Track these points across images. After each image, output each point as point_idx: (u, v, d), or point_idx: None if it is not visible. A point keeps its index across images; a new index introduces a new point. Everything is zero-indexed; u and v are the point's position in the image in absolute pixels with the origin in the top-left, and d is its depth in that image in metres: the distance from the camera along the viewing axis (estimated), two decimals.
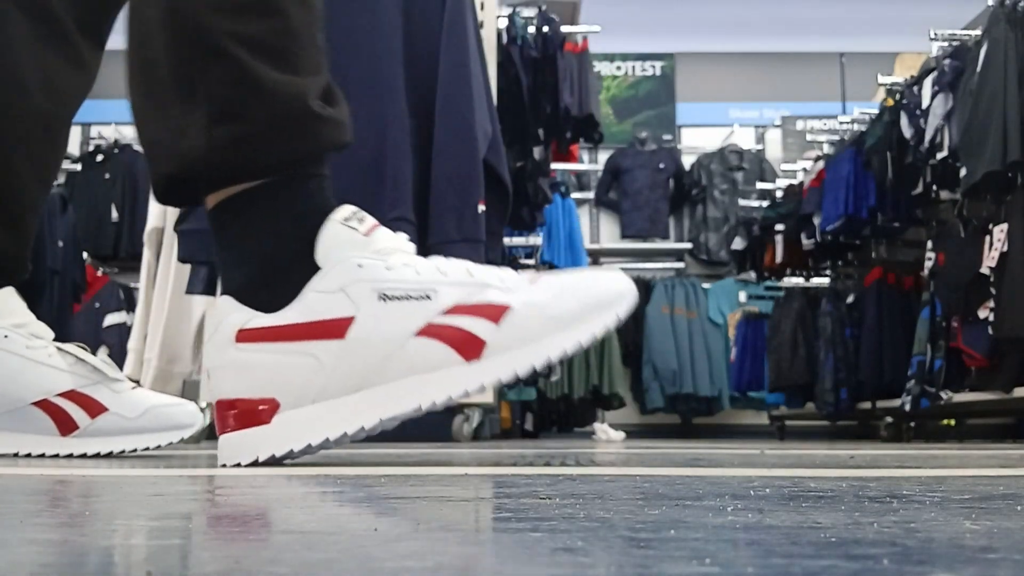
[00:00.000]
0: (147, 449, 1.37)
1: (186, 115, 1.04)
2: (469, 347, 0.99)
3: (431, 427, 3.64)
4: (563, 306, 1.00)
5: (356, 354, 0.99)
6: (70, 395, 1.34)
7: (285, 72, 1.04)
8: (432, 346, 0.99)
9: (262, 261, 1.03)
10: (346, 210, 1.04)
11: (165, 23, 1.06)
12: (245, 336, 1.00)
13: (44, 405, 1.33)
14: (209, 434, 3.40)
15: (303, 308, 1.00)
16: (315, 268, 1.01)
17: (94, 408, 1.35)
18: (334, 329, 0.99)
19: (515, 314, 0.99)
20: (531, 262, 5.15)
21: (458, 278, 1.01)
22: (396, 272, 1.01)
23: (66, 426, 1.34)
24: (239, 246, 1.05)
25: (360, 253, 1.01)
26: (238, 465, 1.01)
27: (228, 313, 1.02)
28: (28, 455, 1.34)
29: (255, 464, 1.01)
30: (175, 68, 1.06)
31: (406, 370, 0.99)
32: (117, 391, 1.36)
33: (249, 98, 1.03)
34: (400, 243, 1.04)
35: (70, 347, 1.36)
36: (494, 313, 0.99)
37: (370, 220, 1.04)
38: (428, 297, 1.00)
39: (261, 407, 1.00)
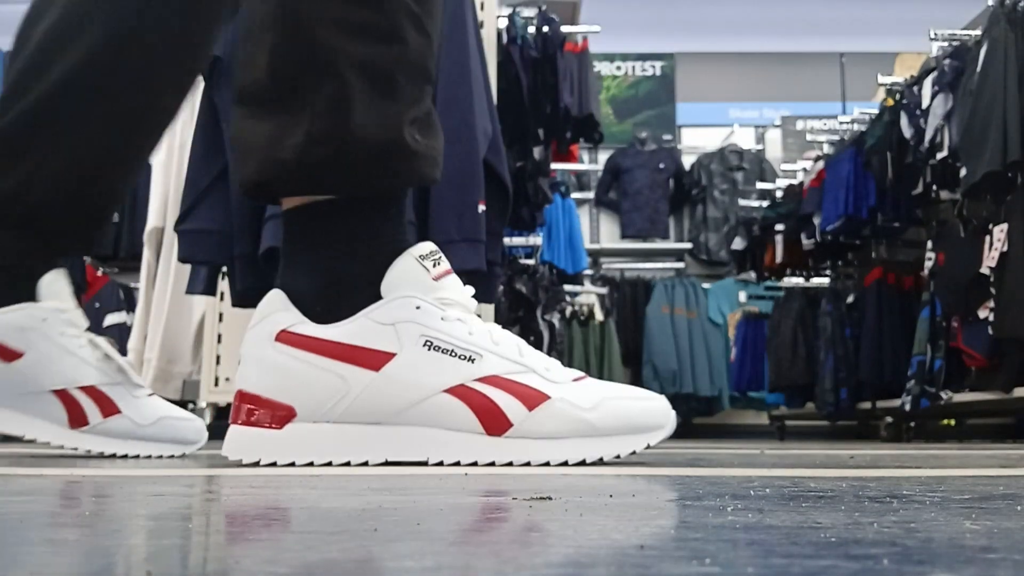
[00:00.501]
0: (148, 457, 1.37)
1: (285, 127, 1.03)
2: (495, 422, 1.00)
3: None
4: (600, 417, 1.01)
5: (384, 390, 1.00)
6: (90, 390, 1.33)
7: (387, 100, 1.03)
8: (458, 408, 1.00)
9: (329, 274, 1.03)
10: (425, 247, 1.04)
11: (276, 23, 1.03)
12: (286, 338, 1.01)
13: (62, 395, 1.32)
14: (209, 434, 3.39)
15: (352, 330, 1.01)
16: (377, 295, 1.02)
17: (108, 408, 1.34)
18: (373, 360, 1.00)
19: (551, 407, 1.01)
20: (531, 262, 5.15)
21: (507, 352, 1.02)
22: (449, 325, 1.02)
23: (77, 420, 1.33)
24: (311, 253, 1.04)
25: (423, 295, 1.02)
26: (238, 462, 1.02)
27: (277, 310, 1.02)
28: (32, 440, 1.33)
29: (255, 465, 1.01)
30: (281, 73, 1.03)
31: (426, 421, 1.01)
32: (135, 396, 1.36)
33: (350, 124, 1.02)
34: (465, 298, 1.05)
35: (102, 342, 1.36)
36: (531, 399, 1.01)
37: (444, 265, 1.05)
38: (471, 360, 1.01)
39: (278, 411, 1.01)
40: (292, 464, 1.01)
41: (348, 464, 1.01)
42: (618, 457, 1.02)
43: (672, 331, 7.25)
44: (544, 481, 0.83)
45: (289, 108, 1.03)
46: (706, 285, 7.48)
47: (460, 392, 1.00)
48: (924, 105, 4.34)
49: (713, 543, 0.41)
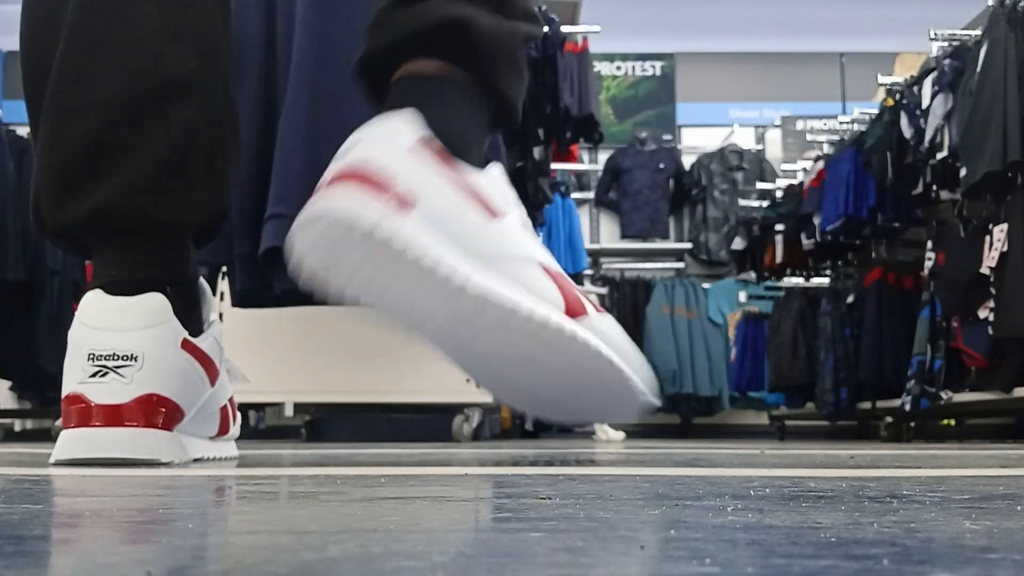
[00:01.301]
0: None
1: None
2: (573, 306, 1.06)
3: (431, 427, 3.65)
4: (624, 347, 1.13)
5: (495, 236, 1.00)
6: (231, 400, 1.30)
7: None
8: (547, 281, 1.04)
9: (450, 116, 1.03)
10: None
11: None
12: (433, 153, 0.98)
13: (223, 409, 1.27)
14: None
15: (488, 179, 1.02)
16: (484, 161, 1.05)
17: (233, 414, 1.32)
18: (493, 210, 1.01)
19: (604, 318, 1.14)
20: None
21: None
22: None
23: (223, 428, 1.29)
24: (430, 95, 1.04)
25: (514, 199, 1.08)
26: (422, 270, 0.95)
27: (412, 128, 0.99)
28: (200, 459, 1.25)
29: (434, 273, 0.96)
30: None
31: (521, 280, 1.01)
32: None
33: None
34: None
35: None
36: (586, 305, 1.10)
37: None
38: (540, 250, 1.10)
39: (408, 206, 0.94)
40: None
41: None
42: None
43: (672, 331, 7.25)
44: (544, 481, 0.83)
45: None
46: (706, 285, 7.48)
47: (549, 270, 1.05)
48: (924, 105, 4.34)
49: (713, 543, 0.41)
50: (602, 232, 7.94)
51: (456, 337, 1.00)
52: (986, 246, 3.90)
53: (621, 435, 5.80)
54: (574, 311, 1.04)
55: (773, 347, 6.10)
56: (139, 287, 1.12)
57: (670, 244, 7.91)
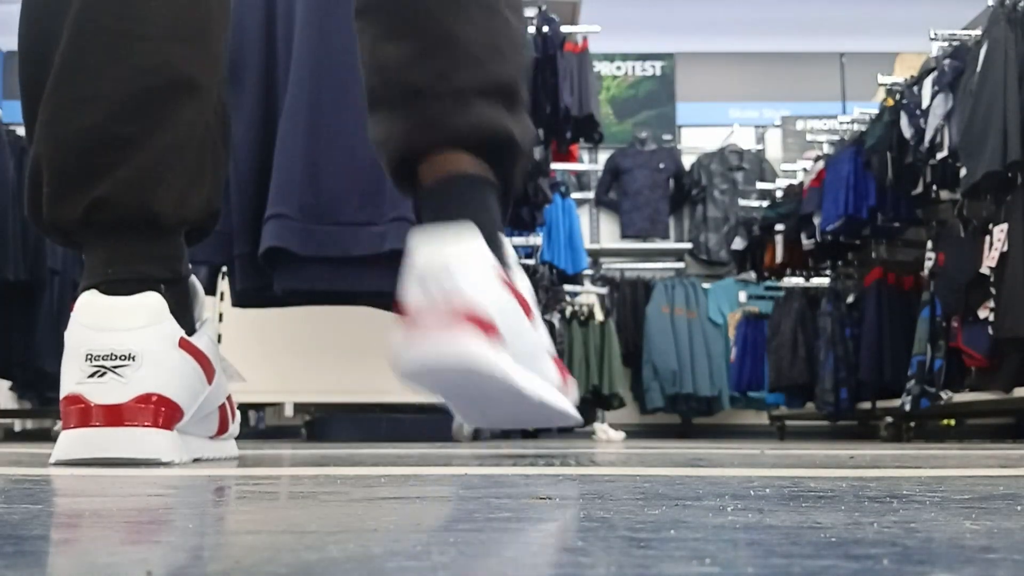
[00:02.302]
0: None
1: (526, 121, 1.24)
2: (564, 377, 1.22)
3: (431, 427, 3.65)
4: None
5: (533, 340, 1.15)
6: (229, 399, 1.30)
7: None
8: (553, 368, 1.20)
9: (491, 224, 1.15)
10: None
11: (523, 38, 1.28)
12: (502, 279, 1.11)
13: (221, 408, 1.27)
14: None
15: (517, 276, 1.16)
16: (505, 256, 1.16)
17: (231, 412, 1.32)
18: (528, 308, 1.15)
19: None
20: (531, 262, 5.15)
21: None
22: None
23: (223, 427, 1.29)
24: (470, 203, 1.16)
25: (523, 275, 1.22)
26: (489, 376, 1.08)
27: (482, 243, 1.10)
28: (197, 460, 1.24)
29: (494, 377, 1.10)
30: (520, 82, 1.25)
31: (546, 375, 1.17)
32: None
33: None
34: None
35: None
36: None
37: None
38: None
39: (494, 333, 1.07)
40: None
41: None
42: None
43: (672, 331, 7.25)
44: (544, 481, 0.83)
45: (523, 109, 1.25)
46: (706, 285, 7.47)
47: (551, 354, 1.21)
48: (924, 105, 4.34)
49: (713, 543, 0.41)
50: (602, 232, 7.94)
51: (477, 405, 1.16)
52: (986, 246, 3.90)
53: (621, 435, 5.80)
54: (563, 379, 1.22)
55: (773, 347, 6.10)
56: (135, 286, 1.12)
57: (670, 244, 7.91)
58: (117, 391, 1.07)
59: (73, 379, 1.08)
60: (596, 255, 7.75)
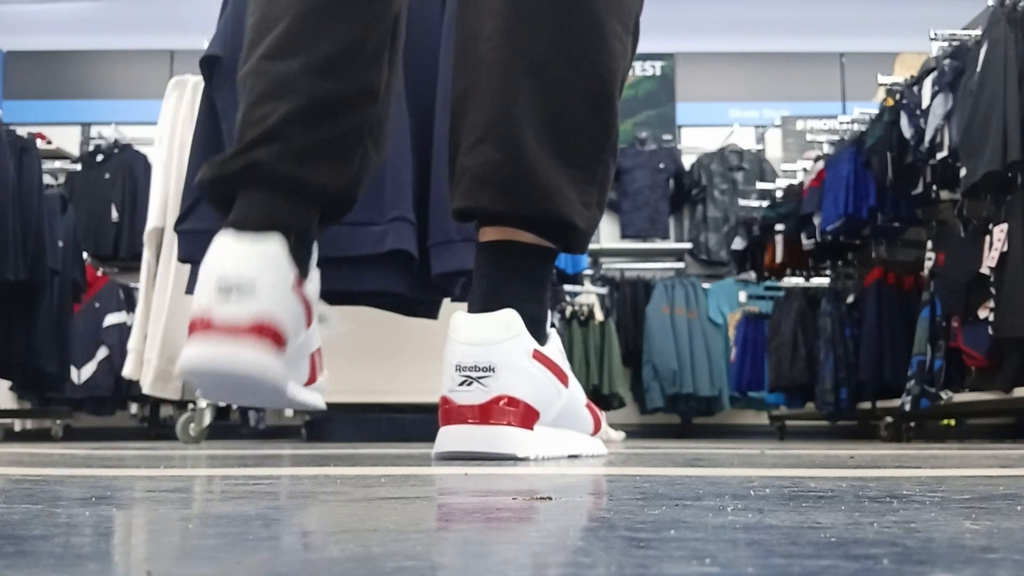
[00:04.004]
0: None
1: (588, 191, 1.36)
2: (596, 424, 1.47)
3: (431, 427, 3.64)
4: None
5: (567, 401, 1.36)
6: (318, 351, 1.41)
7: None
8: (588, 417, 1.44)
9: (535, 305, 1.33)
10: None
11: (588, 97, 1.34)
12: (538, 356, 1.30)
13: (312, 358, 1.35)
14: (209, 434, 3.39)
15: (554, 351, 1.34)
16: (544, 328, 1.34)
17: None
18: (563, 377, 1.35)
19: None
20: None
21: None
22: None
23: (312, 378, 1.38)
24: (521, 283, 1.33)
25: (555, 336, 1.39)
26: (513, 457, 1.25)
27: (523, 329, 1.28)
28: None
29: (513, 459, 1.24)
30: (591, 143, 1.35)
31: (580, 427, 1.42)
32: None
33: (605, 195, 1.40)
34: None
35: None
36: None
37: None
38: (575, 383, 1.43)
39: (531, 416, 1.28)
40: (536, 457, 1.28)
41: (553, 457, 1.32)
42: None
43: (672, 331, 7.25)
44: (544, 481, 0.83)
45: (591, 177, 1.36)
46: (706, 285, 7.47)
47: (588, 406, 1.44)
48: (924, 105, 4.34)
49: (713, 543, 0.41)
50: (602, 232, 7.93)
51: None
52: (986, 246, 3.90)
53: (621, 435, 5.80)
54: (595, 426, 1.49)
55: (773, 347, 6.09)
56: (264, 229, 1.22)
57: (670, 244, 7.91)
58: (235, 314, 1.16)
59: (201, 301, 1.18)
60: (596, 255, 7.75)
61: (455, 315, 1.32)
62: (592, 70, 1.33)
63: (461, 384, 1.26)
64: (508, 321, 1.27)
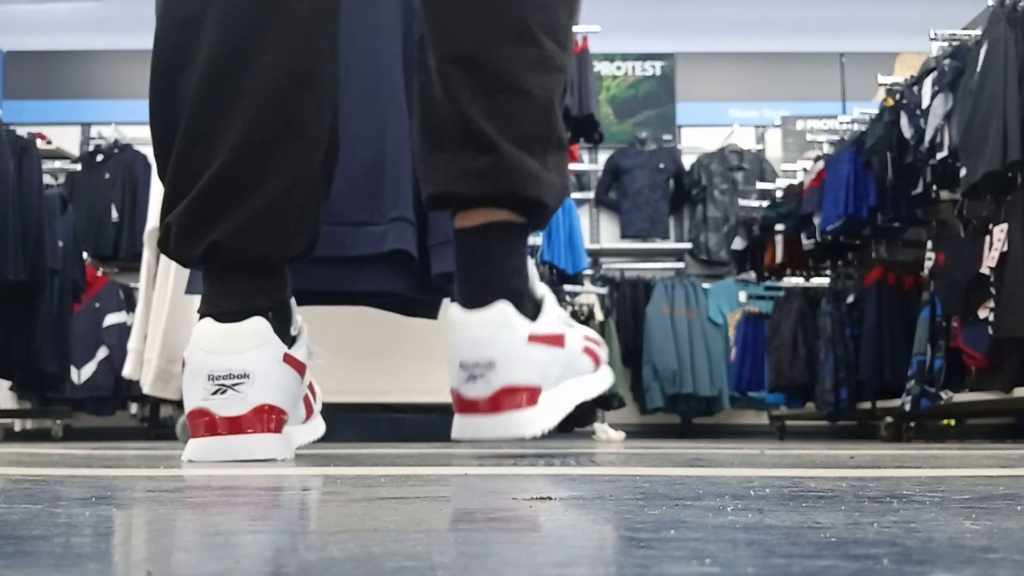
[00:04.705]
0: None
1: (563, 167, 1.43)
2: (596, 361, 1.51)
3: (431, 427, 3.64)
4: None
5: (562, 357, 1.41)
6: (310, 385, 1.52)
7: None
8: (587, 360, 1.48)
9: (521, 280, 1.38)
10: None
11: (526, 94, 1.37)
12: (534, 338, 1.36)
13: (304, 397, 1.48)
14: None
15: (546, 323, 1.39)
16: (534, 295, 1.40)
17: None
18: (559, 340, 1.41)
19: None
20: (531, 262, 5.14)
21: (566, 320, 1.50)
22: (560, 309, 1.46)
23: (309, 411, 1.52)
24: (504, 263, 1.37)
25: (548, 293, 1.45)
26: (533, 438, 1.36)
27: (516, 318, 1.35)
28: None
29: (537, 437, 1.34)
30: (544, 130, 1.40)
31: (580, 371, 1.46)
32: None
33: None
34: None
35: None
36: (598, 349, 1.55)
37: None
38: (574, 327, 1.47)
39: (534, 393, 1.36)
40: (544, 431, 1.36)
41: (565, 410, 1.41)
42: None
43: (672, 331, 7.25)
44: (544, 481, 0.83)
45: (562, 153, 1.42)
46: (706, 285, 7.47)
47: (586, 349, 1.48)
48: (924, 105, 4.34)
49: (713, 543, 0.41)
50: (602, 232, 7.93)
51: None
52: (986, 246, 3.90)
53: (621, 435, 5.80)
54: (595, 361, 1.53)
55: (773, 347, 6.09)
56: (245, 316, 1.27)
57: (670, 244, 7.91)
58: (236, 405, 1.25)
59: (198, 396, 1.25)
60: (596, 255, 7.74)
61: (451, 309, 1.39)
62: (533, 81, 1.38)
63: (467, 380, 1.36)
64: (501, 315, 1.34)
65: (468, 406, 1.36)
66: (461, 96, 1.35)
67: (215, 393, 1.24)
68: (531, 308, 1.40)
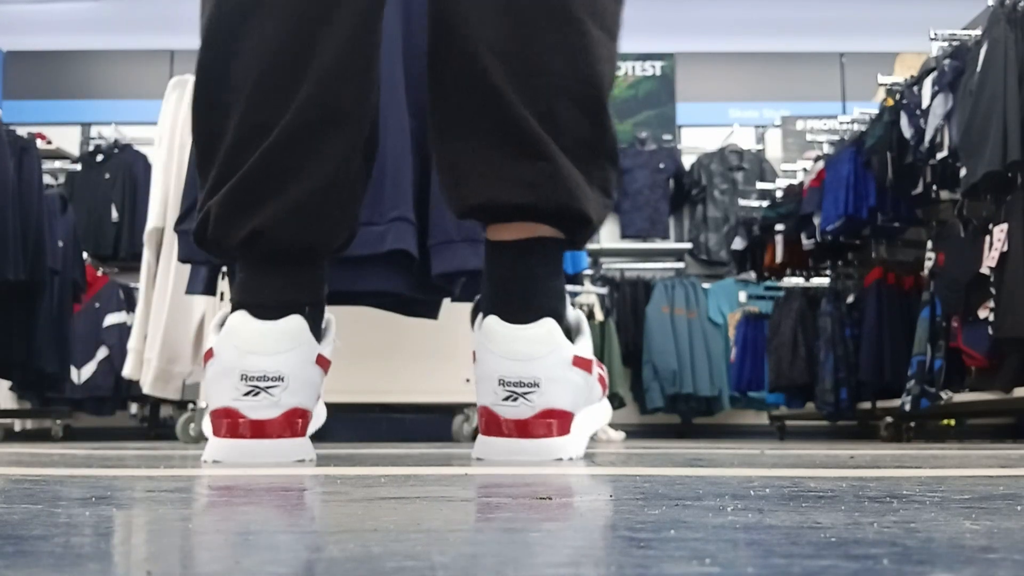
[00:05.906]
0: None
1: (611, 182, 1.39)
2: (604, 389, 1.43)
3: (431, 427, 3.64)
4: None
5: (590, 383, 1.35)
6: None
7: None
8: (598, 386, 1.40)
9: (561, 303, 1.32)
10: None
11: (573, 91, 1.29)
12: (577, 362, 1.30)
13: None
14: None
15: (584, 346, 1.33)
16: (568, 317, 1.34)
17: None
18: (590, 366, 1.34)
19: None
20: None
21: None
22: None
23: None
24: (547, 283, 1.31)
25: (581, 316, 1.41)
26: (569, 459, 1.28)
27: (562, 338, 1.28)
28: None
29: (559, 461, 1.26)
30: (587, 148, 1.32)
31: (593, 399, 1.38)
32: None
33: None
34: None
35: None
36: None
37: None
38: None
39: (570, 418, 1.30)
40: (582, 457, 1.33)
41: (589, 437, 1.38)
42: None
43: (672, 331, 7.25)
44: (544, 481, 0.83)
45: (611, 165, 1.37)
46: (706, 285, 7.47)
47: (601, 379, 1.42)
48: (924, 105, 4.34)
49: (713, 543, 0.41)
50: (602, 232, 7.92)
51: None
52: (986, 246, 3.90)
53: (621, 435, 5.80)
54: (604, 389, 1.45)
55: (773, 347, 6.09)
56: (282, 311, 1.23)
57: (670, 244, 7.91)
58: (268, 409, 1.21)
59: (228, 395, 1.21)
60: (596, 255, 7.74)
61: (490, 321, 1.28)
62: (580, 74, 1.29)
63: (506, 399, 1.26)
64: (549, 333, 1.26)
65: (500, 428, 1.27)
66: (505, 93, 1.25)
67: (247, 394, 1.20)
68: (568, 329, 1.34)
